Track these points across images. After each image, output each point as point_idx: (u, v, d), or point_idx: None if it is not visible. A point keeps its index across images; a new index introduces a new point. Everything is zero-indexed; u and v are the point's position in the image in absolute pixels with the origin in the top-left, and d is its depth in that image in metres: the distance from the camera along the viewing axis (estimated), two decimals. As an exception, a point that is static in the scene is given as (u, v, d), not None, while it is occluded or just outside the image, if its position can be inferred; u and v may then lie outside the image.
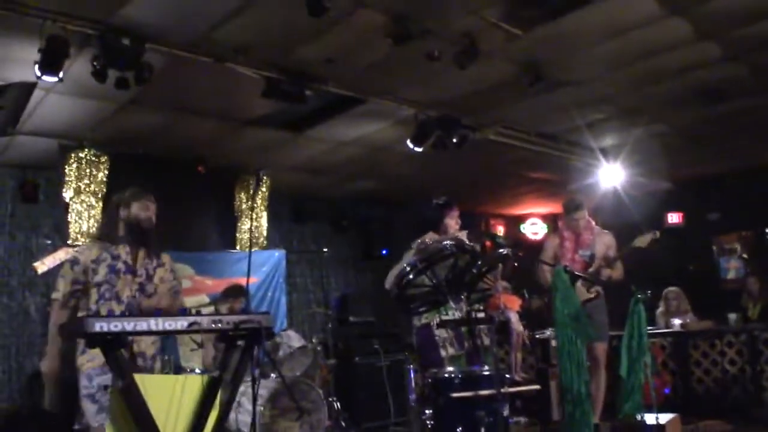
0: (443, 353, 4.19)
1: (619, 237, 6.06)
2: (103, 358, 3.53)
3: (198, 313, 2.64)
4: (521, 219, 13.26)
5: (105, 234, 3.89)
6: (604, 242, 6.01)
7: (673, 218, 11.41)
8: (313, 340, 7.44)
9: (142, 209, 3.92)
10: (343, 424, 7.31)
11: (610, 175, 9.49)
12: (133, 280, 3.82)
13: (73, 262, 3.76)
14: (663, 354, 7.72)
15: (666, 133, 8.48)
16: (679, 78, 6.71)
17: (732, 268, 11.06)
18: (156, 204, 4.04)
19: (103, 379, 3.63)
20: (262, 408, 5.94)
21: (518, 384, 4.12)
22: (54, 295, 3.76)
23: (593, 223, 6.14)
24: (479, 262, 3.71)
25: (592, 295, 5.66)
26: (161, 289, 3.96)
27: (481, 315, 3.69)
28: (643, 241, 5.82)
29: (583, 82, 6.70)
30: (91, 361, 3.65)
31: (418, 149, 7.36)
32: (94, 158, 7.75)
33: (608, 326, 5.94)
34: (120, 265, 3.80)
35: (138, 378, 2.57)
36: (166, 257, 4.10)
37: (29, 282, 8.03)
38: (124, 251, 3.85)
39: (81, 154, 7.66)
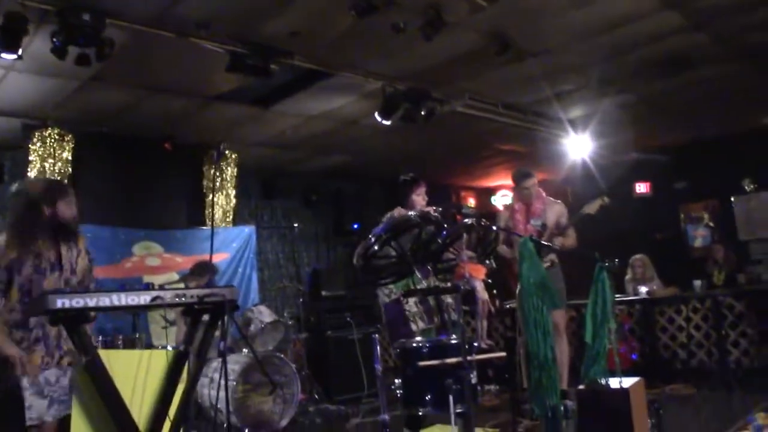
0: (413, 327, 4.25)
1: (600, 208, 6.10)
2: (37, 360, 3.53)
3: (161, 288, 2.64)
4: (492, 191, 13.35)
5: (24, 231, 3.63)
6: (555, 211, 6.09)
7: (641, 188, 11.55)
8: (285, 315, 7.48)
9: (68, 207, 3.76)
10: (317, 396, 7.38)
11: (579, 146, 9.57)
12: (60, 276, 3.71)
13: None
14: (630, 320, 7.88)
15: (634, 104, 8.55)
16: (644, 48, 6.75)
17: (699, 236, 11.25)
18: (72, 191, 3.87)
19: (46, 374, 3.58)
20: (234, 383, 5.96)
21: (485, 351, 4.17)
22: None
23: (543, 193, 6.21)
24: (444, 232, 3.75)
25: (547, 264, 5.74)
26: (81, 276, 3.87)
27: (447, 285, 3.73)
28: (592, 207, 5.91)
29: (549, 52, 6.72)
30: (28, 363, 3.55)
31: (387, 122, 7.35)
32: (58, 137, 7.65)
33: (565, 293, 6.07)
34: (44, 264, 3.66)
35: (102, 354, 2.57)
36: (81, 241, 3.91)
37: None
38: (45, 248, 3.68)
39: (45, 133, 7.56)
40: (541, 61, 6.89)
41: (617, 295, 6.19)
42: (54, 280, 3.68)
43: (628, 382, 3.98)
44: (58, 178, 7.58)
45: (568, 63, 7.04)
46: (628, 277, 8.49)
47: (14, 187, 4.05)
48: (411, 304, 4.27)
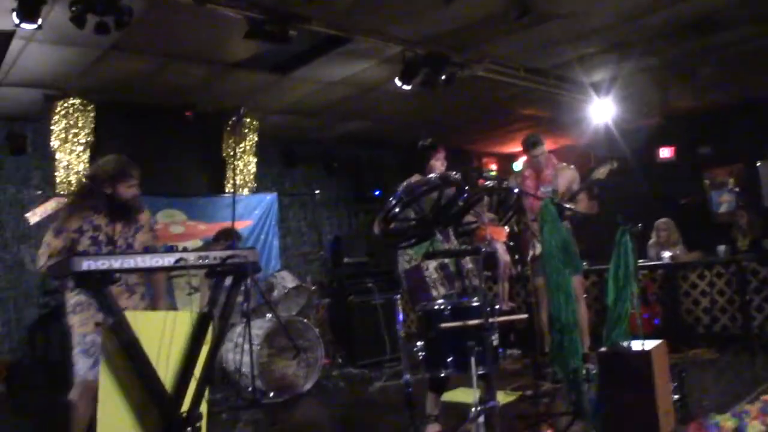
0: (434, 293, 4.24)
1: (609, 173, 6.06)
2: (92, 323, 3.70)
3: (184, 250, 2.66)
4: (514, 157, 13.25)
5: (85, 203, 3.89)
6: (566, 176, 6.04)
7: (665, 153, 11.43)
8: (308, 280, 7.53)
9: (128, 188, 3.96)
10: (340, 361, 7.45)
11: (602, 111, 9.44)
12: (113, 252, 3.87)
13: (57, 231, 3.81)
14: (653, 285, 7.83)
15: (657, 67, 8.42)
16: (670, 9, 6.62)
17: (724, 201, 11.12)
18: (139, 171, 4.06)
19: (95, 336, 3.73)
20: (259, 347, 6.04)
21: (506, 313, 4.18)
22: (39, 264, 3.80)
23: (555, 159, 6.16)
24: (465, 194, 3.73)
25: None
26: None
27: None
28: (601, 172, 5.85)
29: (572, 14, 6.60)
30: (83, 325, 3.78)
31: (407, 88, 7.30)
32: (80, 107, 7.70)
33: (580, 259, 6.04)
34: (101, 237, 3.88)
35: (129, 315, 2.61)
36: (143, 216, 4.13)
37: (23, 234, 8.08)
38: (103, 222, 3.90)
39: (66, 104, 7.61)
40: (562, 24, 6.78)
41: (640, 260, 6.15)
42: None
43: (650, 344, 3.97)
44: (80, 147, 7.67)
45: (591, 25, 6.93)
46: (651, 241, 8.42)
47: (92, 166, 4.35)
48: (431, 271, 4.26)
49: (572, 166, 6.18)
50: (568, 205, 5.69)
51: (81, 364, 3.74)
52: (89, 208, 3.88)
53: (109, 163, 3.99)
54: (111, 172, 3.94)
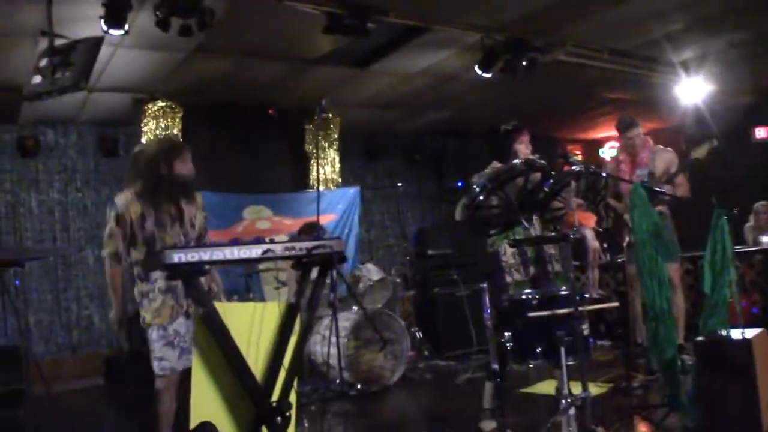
0: (509, 279, 4.17)
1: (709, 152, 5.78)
2: (168, 311, 3.71)
3: (271, 241, 2.70)
4: (600, 143, 12.92)
5: (146, 190, 3.80)
6: (664, 159, 5.79)
7: (761, 133, 10.88)
8: (392, 273, 7.54)
9: (185, 166, 3.88)
10: (426, 353, 7.44)
11: (692, 90, 9.06)
12: (180, 230, 3.85)
13: (119, 218, 3.75)
14: (751, 272, 7.47)
15: (749, 41, 8.00)
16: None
17: (827, 181, 10.50)
18: (190, 149, 4.00)
19: (176, 325, 3.74)
20: (346, 340, 6.09)
21: (596, 302, 4.05)
22: (105, 251, 3.79)
23: (651, 142, 5.91)
24: (551, 180, 3.63)
25: None
26: (199, 232, 4.02)
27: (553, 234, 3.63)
28: (700, 152, 5.57)
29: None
30: (158, 317, 3.73)
31: (487, 75, 7.19)
32: (168, 109, 7.95)
33: (678, 246, 5.80)
34: (166, 219, 3.81)
35: (218, 306, 2.66)
36: (198, 198, 4.07)
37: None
38: (165, 202, 3.83)
39: (155, 107, 7.87)
40: (645, 1, 6.51)
41: (736, 247, 5.87)
42: (174, 234, 3.84)
43: (750, 332, 3.77)
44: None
45: (676, 1, 6.63)
46: (750, 224, 8.04)
47: (135, 148, 4.26)
48: (509, 256, 4.18)
49: (670, 149, 5.94)
50: (663, 189, 5.49)
51: (169, 356, 3.70)
52: (148, 191, 3.79)
53: (157, 142, 3.95)
54: (166, 150, 3.88)
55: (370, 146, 10.66)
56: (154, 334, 3.74)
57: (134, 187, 3.81)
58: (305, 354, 6.46)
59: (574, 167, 3.75)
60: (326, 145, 9.19)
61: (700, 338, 3.93)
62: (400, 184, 9.09)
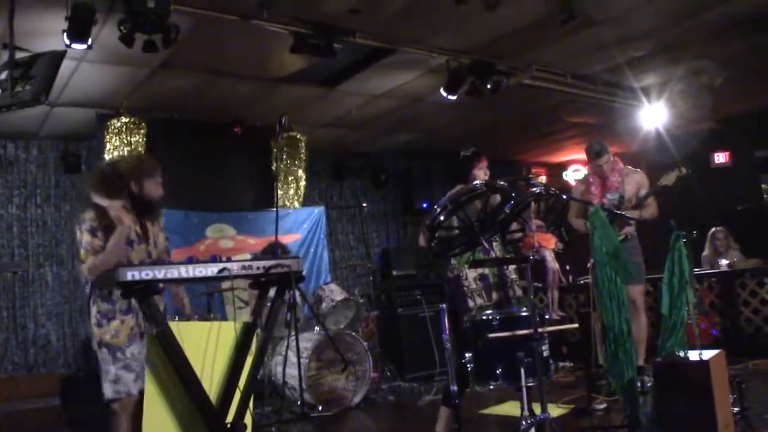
0: (471, 303, 4.19)
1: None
2: (126, 331, 3.62)
3: (228, 260, 2.67)
4: (564, 166, 13.06)
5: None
6: (634, 181, 5.91)
7: (720, 158, 11.11)
8: (356, 293, 7.52)
9: (155, 187, 3.85)
10: (389, 374, 7.40)
11: (653, 116, 9.22)
12: (145, 249, 3.82)
13: (91, 231, 3.68)
14: (711, 295, 7.59)
15: (711, 69, 8.17)
16: (719, 7, 6.44)
17: (784, 206, 10.73)
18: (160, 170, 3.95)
19: (133, 347, 3.65)
20: (307, 360, 6.04)
21: (557, 323, 4.08)
22: (85, 265, 3.72)
23: (621, 164, 6.00)
24: (511, 202, 3.66)
25: (621, 237, 5.59)
26: (162, 251, 3.98)
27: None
28: (669, 179, 5.70)
29: (618, 17, 6.46)
30: (115, 336, 3.64)
31: (452, 98, 7.26)
32: (132, 125, 7.85)
33: (644, 268, 5.89)
34: (133, 236, 3.77)
35: (173, 325, 2.62)
36: (160, 220, 4.04)
37: (77, 251, 8.26)
38: (132, 221, 3.79)
39: (119, 122, 7.76)
40: (609, 28, 6.64)
41: (694, 270, 5.97)
42: (141, 253, 3.79)
43: (708, 354, 3.82)
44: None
45: (639, 28, 6.77)
46: (706, 252, 8.19)
47: (107, 161, 4.17)
48: (470, 281, 4.21)
49: (639, 170, 6.03)
50: (629, 213, 5.57)
51: (125, 379, 3.61)
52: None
53: (134, 159, 3.92)
54: (139, 169, 3.84)
55: (337, 165, 10.64)
56: (108, 356, 3.65)
57: (100, 201, 3.72)
58: (265, 375, 6.39)
59: (534, 188, 3.79)
60: (294, 163, 9.15)
61: (658, 359, 3.97)
62: (365, 204, 9.09)
